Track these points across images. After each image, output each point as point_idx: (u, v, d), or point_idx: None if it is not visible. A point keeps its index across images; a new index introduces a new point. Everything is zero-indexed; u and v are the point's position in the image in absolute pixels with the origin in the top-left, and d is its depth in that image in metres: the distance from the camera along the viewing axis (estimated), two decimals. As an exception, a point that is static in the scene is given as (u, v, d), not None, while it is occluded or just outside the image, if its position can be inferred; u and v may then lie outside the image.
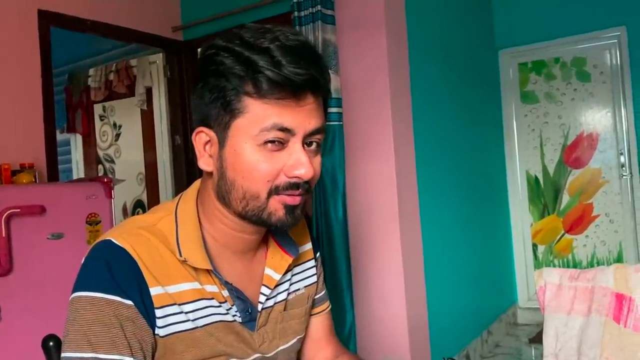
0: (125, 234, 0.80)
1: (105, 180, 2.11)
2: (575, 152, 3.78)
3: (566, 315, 1.11)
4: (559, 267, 3.80)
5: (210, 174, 0.83)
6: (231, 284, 0.85)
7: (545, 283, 1.14)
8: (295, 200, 0.80)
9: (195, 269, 0.82)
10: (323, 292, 1.06)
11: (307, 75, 0.75)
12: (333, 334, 1.08)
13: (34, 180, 2.14)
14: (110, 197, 2.10)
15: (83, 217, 2.02)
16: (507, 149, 3.97)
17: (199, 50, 3.28)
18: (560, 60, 3.80)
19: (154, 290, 0.78)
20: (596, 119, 3.70)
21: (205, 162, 0.82)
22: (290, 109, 0.76)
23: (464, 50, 3.40)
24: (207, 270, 0.83)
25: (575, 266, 3.80)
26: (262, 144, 0.76)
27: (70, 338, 0.75)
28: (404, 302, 2.48)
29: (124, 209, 3.45)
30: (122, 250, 0.78)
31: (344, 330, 2.47)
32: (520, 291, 3.96)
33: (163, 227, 0.84)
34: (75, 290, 0.78)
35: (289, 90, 0.75)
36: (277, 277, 0.91)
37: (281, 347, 0.93)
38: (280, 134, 0.76)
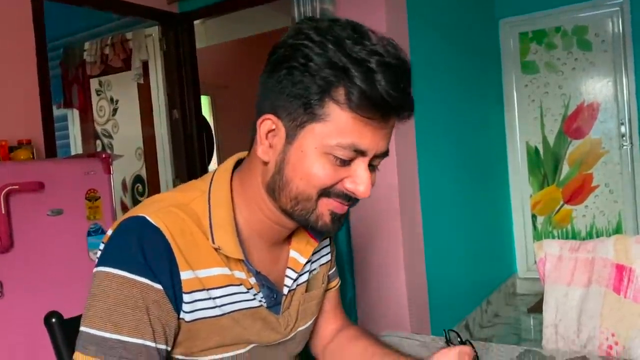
0: (159, 212, 0.78)
1: (104, 156, 2.09)
2: (575, 123, 3.76)
3: (566, 286, 1.11)
4: (558, 237, 3.82)
5: (264, 163, 0.80)
6: (260, 272, 0.85)
7: (545, 254, 1.15)
8: (343, 209, 0.80)
9: (231, 256, 0.81)
10: (334, 269, 1.07)
11: (403, 100, 0.74)
12: (340, 308, 1.10)
13: (31, 156, 2.13)
14: (109, 172, 2.09)
15: (82, 193, 2.01)
16: (507, 120, 3.95)
17: (195, 22, 3.23)
18: (562, 29, 3.75)
19: (185, 275, 0.77)
20: (597, 88, 3.67)
21: (264, 151, 0.79)
22: (372, 129, 0.75)
23: (464, 20, 3.35)
24: (241, 260, 0.82)
25: (574, 236, 3.82)
26: (329, 154, 0.75)
27: (92, 314, 0.74)
28: (404, 273, 2.49)
29: (123, 185, 3.44)
30: (157, 229, 0.76)
31: (344, 303, 2.49)
32: (519, 262, 3.99)
33: (196, 208, 0.81)
34: (102, 264, 0.76)
35: (380, 110, 0.73)
36: (303, 261, 0.91)
37: (300, 329, 0.94)
38: (352, 155, 0.75)
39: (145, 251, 0.75)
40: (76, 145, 3.65)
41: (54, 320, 0.91)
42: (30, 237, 1.85)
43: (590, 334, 1.04)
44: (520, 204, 3.96)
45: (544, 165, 3.88)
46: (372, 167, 0.80)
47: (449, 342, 1.12)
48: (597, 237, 3.49)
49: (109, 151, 3.50)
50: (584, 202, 3.77)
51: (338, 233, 2.46)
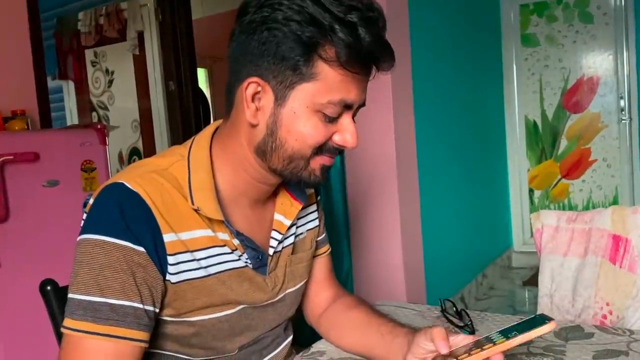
0: (138, 178, 0.78)
1: (99, 127, 2.08)
2: (575, 97, 3.74)
3: (562, 256, 1.11)
4: (555, 211, 3.83)
5: (252, 126, 0.80)
6: (242, 233, 0.86)
7: (542, 225, 1.15)
8: (331, 161, 0.83)
9: (211, 217, 0.81)
10: (324, 235, 1.08)
11: (386, 51, 0.77)
12: (333, 276, 1.11)
13: (26, 127, 2.11)
14: (105, 144, 2.07)
15: (78, 164, 2.00)
16: (506, 94, 3.92)
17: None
18: (563, 1, 3.70)
19: (167, 237, 0.77)
20: (597, 62, 3.64)
21: (251, 114, 0.79)
22: (357, 83, 0.78)
23: (465, -9, 3.30)
24: (221, 220, 0.82)
25: (570, 210, 3.83)
26: (319, 112, 0.77)
27: (79, 280, 0.74)
28: (400, 246, 2.50)
29: (120, 157, 3.42)
30: (136, 194, 0.76)
31: (341, 275, 2.51)
32: (515, 235, 4.01)
33: (175, 172, 0.82)
34: (85, 231, 0.76)
35: (366, 64, 0.76)
36: (287, 222, 0.92)
37: (289, 290, 0.95)
38: (340, 110, 0.78)
39: (125, 216, 0.75)
40: (72, 117, 3.62)
41: (48, 287, 0.92)
42: (26, 207, 1.85)
43: (585, 303, 1.04)
44: (517, 177, 3.95)
45: (542, 140, 3.86)
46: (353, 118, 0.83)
47: (444, 312, 1.12)
48: (594, 211, 3.50)
49: (105, 123, 3.47)
50: (581, 177, 3.78)
51: (334, 204, 2.46)
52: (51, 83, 3.38)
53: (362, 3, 0.74)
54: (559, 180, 3.85)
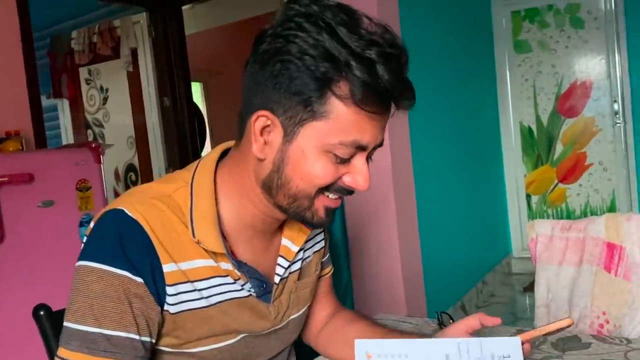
0: (138, 204, 0.76)
1: (94, 145, 2.07)
2: (568, 101, 3.75)
3: (557, 266, 1.11)
4: (553, 216, 3.84)
5: (259, 159, 0.77)
6: (245, 263, 0.83)
7: (537, 235, 1.14)
8: (338, 204, 0.79)
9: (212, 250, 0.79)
10: (328, 255, 1.06)
11: (406, 90, 0.72)
12: (333, 293, 1.09)
13: (21, 147, 2.11)
14: (100, 162, 2.07)
15: (73, 184, 2.00)
16: (500, 100, 3.93)
17: (183, 8, 3.19)
18: (554, 7, 3.72)
19: (167, 267, 0.75)
20: (590, 66, 3.66)
21: (259, 149, 0.75)
22: (373, 123, 0.73)
23: (456, -1, 3.32)
24: (223, 253, 0.80)
25: (568, 215, 3.83)
26: (329, 152, 0.73)
27: (75, 308, 0.73)
28: (399, 256, 2.50)
29: (116, 174, 3.42)
30: (135, 222, 0.74)
31: (340, 287, 2.50)
32: (514, 241, 4.00)
33: (178, 199, 0.79)
34: (83, 258, 0.75)
35: (383, 103, 0.72)
36: (295, 249, 0.89)
37: (293, 316, 0.93)
38: (353, 152, 0.74)
39: (124, 245, 0.73)
40: (67, 135, 3.63)
41: (42, 313, 0.91)
42: (21, 228, 1.84)
43: (582, 313, 1.04)
44: (514, 183, 3.96)
45: (538, 145, 3.87)
46: (368, 159, 0.79)
47: (441, 325, 1.12)
48: (592, 215, 3.50)
49: (100, 140, 3.47)
50: (577, 181, 3.78)
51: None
52: (46, 102, 3.39)
53: (384, 38, 0.70)
54: (556, 185, 3.85)
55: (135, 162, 3.37)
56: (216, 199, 0.81)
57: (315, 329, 1.05)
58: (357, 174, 0.76)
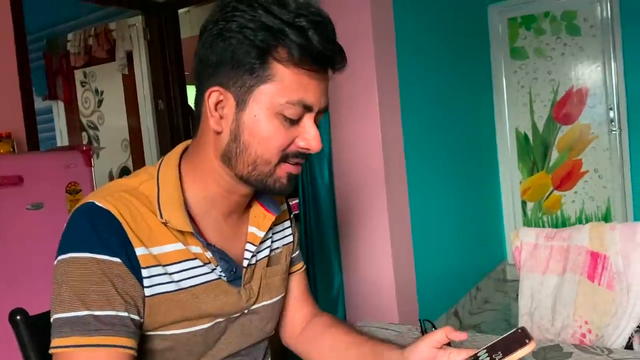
0: (107, 197, 0.80)
1: (84, 148, 2.07)
2: (564, 108, 3.75)
3: (541, 274, 1.10)
4: (548, 223, 3.83)
5: (217, 133, 0.82)
6: (214, 245, 0.86)
7: (521, 243, 1.14)
8: (298, 169, 0.85)
9: (180, 230, 0.83)
10: (298, 252, 1.09)
11: (337, 51, 0.79)
12: (310, 294, 1.11)
13: (11, 149, 2.10)
14: (90, 165, 2.06)
15: (63, 187, 1.99)
16: (496, 107, 3.93)
17: (179, 12, 3.19)
18: (550, 14, 3.73)
19: (139, 251, 0.78)
20: (586, 73, 3.66)
21: (216, 122, 0.81)
22: (314, 83, 0.79)
23: (452, 5, 3.32)
24: (190, 232, 0.83)
25: (563, 222, 3.82)
26: (279, 114, 0.79)
27: (60, 299, 0.75)
28: (391, 262, 2.49)
29: (110, 176, 3.42)
30: (106, 211, 0.78)
31: (332, 292, 2.49)
32: (509, 248, 3.99)
33: (145, 190, 0.84)
34: (60, 253, 0.77)
35: (318, 62, 0.78)
36: (261, 234, 0.93)
37: (264, 303, 0.95)
38: (300, 111, 0.80)
39: (98, 231, 0.76)
40: (62, 137, 3.63)
41: (18, 317, 0.90)
42: (10, 231, 1.84)
43: (564, 322, 1.03)
44: (510, 190, 3.95)
45: (534, 152, 3.87)
46: (317, 125, 0.84)
47: (424, 332, 1.11)
48: (587, 222, 3.49)
49: (95, 143, 3.47)
50: (573, 188, 3.77)
51: (324, 221, 2.45)
52: (41, 104, 3.39)
53: (310, 11, 0.78)
54: (551, 192, 3.85)
55: (130, 164, 3.37)
56: (182, 186, 0.85)
57: (293, 331, 1.07)
58: (307, 134, 0.81)
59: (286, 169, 0.83)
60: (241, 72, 0.78)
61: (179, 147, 0.91)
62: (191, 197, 0.86)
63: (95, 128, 3.50)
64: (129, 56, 3.25)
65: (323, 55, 0.78)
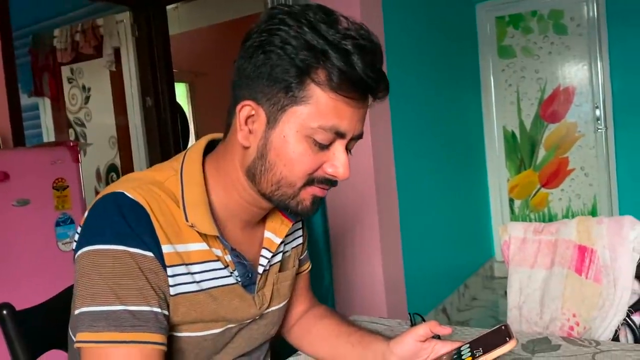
0: (137, 188, 0.78)
1: (71, 144, 2.04)
2: (551, 107, 3.78)
3: (529, 268, 1.11)
4: (535, 221, 3.86)
5: (245, 148, 0.80)
6: (235, 249, 0.85)
7: (509, 237, 1.15)
8: (324, 193, 0.82)
9: (205, 233, 0.82)
10: (306, 253, 1.09)
11: (380, 79, 0.76)
12: (310, 290, 1.12)
13: (-3, 146, 2.08)
14: (77, 161, 2.04)
15: (49, 183, 1.97)
16: (484, 105, 3.96)
17: (167, 8, 3.17)
18: (538, 14, 3.76)
19: (165, 248, 0.77)
20: (572, 72, 3.69)
21: (244, 137, 0.79)
22: (351, 110, 0.76)
23: (440, 4, 3.33)
24: (216, 236, 0.82)
25: (550, 219, 3.86)
26: (310, 137, 0.76)
27: (92, 292, 0.73)
28: (380, 259, 2.50)
29: (97, 174, 3.39)
30: (137, 203, 0.76)
31: (321, 289, 2.49)
32: (497, 245, 4.02)
33: (170, 186, 0.82)
34: (87, 243, 0.75)
35: (358, 90, 0.75)
36: (277, 240, 0.92)
37: (273, 308, 0.95)
38: (331, 137, 0.77)
39: (130, 223, 0.75)
40: (49, 134, 3.59)
41: (5, 312, 0.89)
42: (-5, 228, 1.81)
43: (553, 315, 1.04)
44: (497, 188, 3.98)
45: (521, 150, 3.90)
46: (347, 151, 0.81)
47: (414, 326, 1.11)
48: (573, 220, 3.52)
49: (82, 140, 3.44)
50: (560, 186, 3.81)
51: (314, 218, 2.45)
52: (27, 100, 3.35)
53: (359, 33, 0.75)
54: (539, 189, 3.88)
55: (117, 162, 3.34)
56: (206, 188, 0.84)
57: (290, 322, 1.08)
58: (336, 162, 0.79)
59: (311, 191, 0.81)
60: (276, 89, 0.75)
61: (201, 142, 0.89)
62: (215, 201, 0.85)
63: (83, 125, 3.46)
64: (117, 52, 3.23)
65: (364, 83, 0.74)
